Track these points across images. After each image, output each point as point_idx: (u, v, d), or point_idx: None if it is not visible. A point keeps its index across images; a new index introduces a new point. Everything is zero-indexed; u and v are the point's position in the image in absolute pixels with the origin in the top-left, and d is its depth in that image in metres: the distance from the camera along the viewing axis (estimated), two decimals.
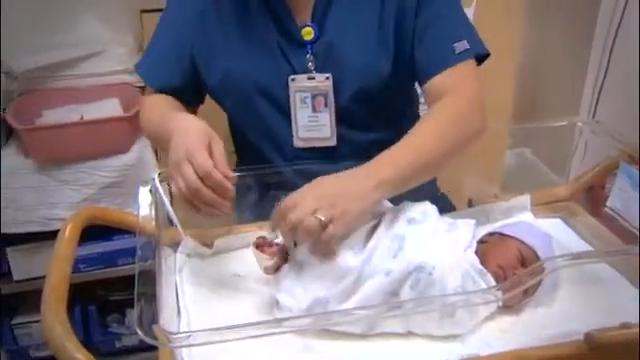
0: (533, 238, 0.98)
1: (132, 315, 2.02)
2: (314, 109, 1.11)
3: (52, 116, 1.84)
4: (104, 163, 1.78)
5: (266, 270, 0.94)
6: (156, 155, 1.88)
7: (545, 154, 1.26)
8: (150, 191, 1.05)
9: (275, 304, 0.91)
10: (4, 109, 1.77)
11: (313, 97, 1.10)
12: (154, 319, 0.76)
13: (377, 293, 0.87)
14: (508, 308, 0.93)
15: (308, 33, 1.09)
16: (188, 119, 0.98)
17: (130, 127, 1.82)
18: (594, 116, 2.18)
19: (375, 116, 1.15)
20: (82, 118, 1.85)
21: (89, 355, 0.75)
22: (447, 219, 1.01)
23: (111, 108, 1.89)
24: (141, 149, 1.83)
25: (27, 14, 1.85)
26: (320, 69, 1.10)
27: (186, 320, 0.92)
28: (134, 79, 1.96)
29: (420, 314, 0.86)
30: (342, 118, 1.14)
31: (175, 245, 1.07)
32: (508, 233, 0.99)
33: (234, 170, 0.97)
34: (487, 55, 1.13)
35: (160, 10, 1.69)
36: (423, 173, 0.98)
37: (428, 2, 1.08)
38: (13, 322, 1.94)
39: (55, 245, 0.92)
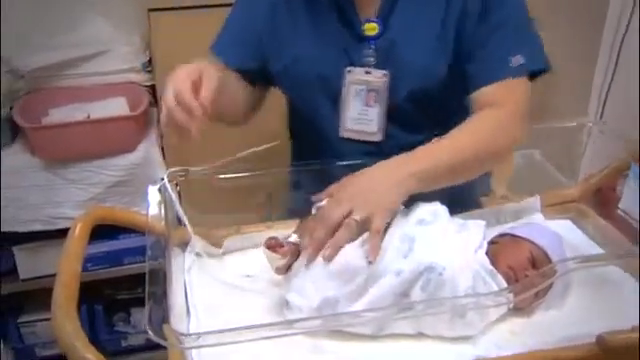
0: (544, 239, 0.97)
1: (138, 314, 2.04)
2: (366, 103, 1.13)
3: (58, 115, 1.83)
4: (110, 162, 1.78)
5: (277, 270, 0.93)
6: (163, 154, 1.87)
7: (554, 155, 1.25)
8: (159, 190, 1.05)
9: (285, 304, 0.91)
10: (10, 108, 1.77)
11: (367, 91, 1.12)
12: (164, 319, 0.76)
13: (387, 294, 0.87)
14: (519, 310, 0.93)
15: (372, 29, 1.11)
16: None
17: (137, 126, 1.82)
18: (601, 117, 2.18)
19: (427, 118, 1.15)
20: (89, 117, 1.84)
21: (99, 355, 0.75)
22: (457, 220, 1.00)
23: (118, 107, 1.89)
24: (148, 148, 1.83)
25: (33, 13, 1.85)
26: (379, 65, 1.12)
27: (195, 320, 0.92)
28: (140, 78, 1.96)
29: (431, 315, 0.86)
30: (393, 116, 1.15)
31: (184, 245, 1.07)
32: (519, 234, 0.98)
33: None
34: (546, 70, 1.11)
35: (168, 9, 1.70)
36: (454, 174, 0.99)
37: (493, 10, 1.07)
38: (19, 320, 1.94)
39: (65, 244, 0.91)
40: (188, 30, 1.75)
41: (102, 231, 1.54)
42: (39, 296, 1.92)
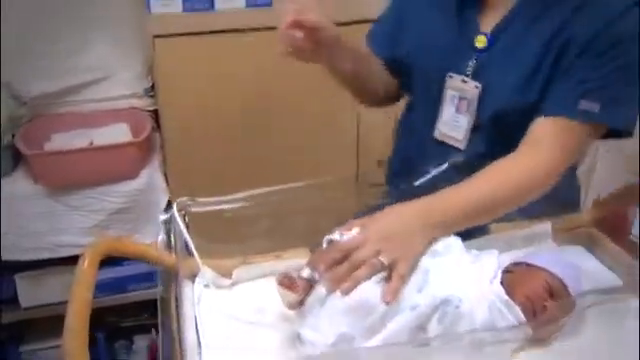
0: (559, 268, 0.96)
1: (141, 342, 2.01)
2: (457, 109, 1.15)
3: (60, 141, 1.83)
4: (113, 189, 1.77)
5: (290, 306, 0.92)
6: (166, 180, 1.86)
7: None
8: (167, 221, 1.03)
9: (297, 340, 0.89)
10: (13, 135, 1.76)
11: (460, 99, 1.14)
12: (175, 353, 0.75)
13: (403, 328, 0.85)
14: (537, 340, 0.91)
15: (481, 41, 1.12)
16: None
17: (139, 152, 1.81)
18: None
19: (510, 137, 1.12)
20: (91, 143, 1.84)
21: None
22: (471, 251, 0.99)
23: (120, 133, 1.88)
24: (151, 174, 1.82)
25: (34, 39, 1.84)
26: (475, 76, 1.13)
27: (207, 356, 0.89)
28: (143, 103, 1.96)
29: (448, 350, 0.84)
30: (479, 128, 1.15)
31: (193, 276, 1.05)
32: (534, 263, 0.97)
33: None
34: (625, 131, 1.07)
35: (173, 35, 1.70)
36: (478, 219, 1.00)
37: (600, 44, 1.01)
38: (20, 349, 1.92)
39: (75, 275, 0.90)
40: (191, 55, 1.76)
41: (105, 257, 1.54)
42: (40, 325, 1.90)
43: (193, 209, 1.04)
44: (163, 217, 1.03)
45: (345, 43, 1.12)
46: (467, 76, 1.13)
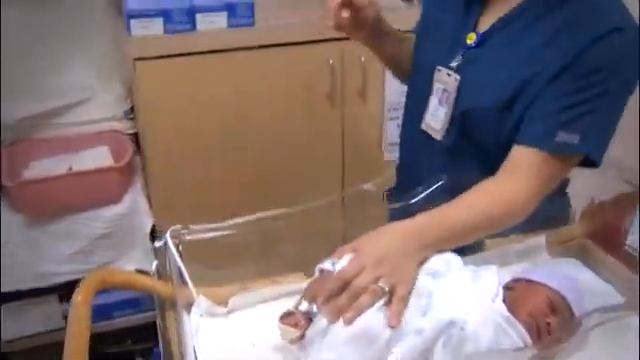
0: (559, 282, 0.96)
1: None
2: (439, 101, 1.17)
3: (40, 168, 1.79)
4: (96, 214, 1.74)
5: (292, 341, 0.90)
6: (149, 203, 1.83)
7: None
8: (160, 248, 1.01)
9: None
10: None
11: (443, 91, 1.16)
12: None
13: (409, 353, 0.84)
14: (539, 358, 0.91)
15: (471, 38, 1.13)
16: None
17: (121, 176, 1.78)
18: None
19: (475, 138, 1.14)
20: (71, 168, 1.80)
21: None
22: (469, 267, 0.98)
23: (101, 157, 1.85)
24: (134, 198, 1.79)
25: (11, 63, 1.80)
26: (458, 70, 1.13)
27: None
28: (123, 126, 1.93)
29: None
30: (453, 121, 1.16)
31: (189, 305, 1.03)
32: (534, 279, 0.97)
33: None
34: (596, 164, 1.06)
35: (154, 57, 1.68)
36: (464, 240, 1.01)
37: (580, 73, 0.99)
38: None
39: (70, 312, 0.87)
40: (172, 77, 1.74)
41: None
42: (23, 357, 1.85)
43: (187, 237, 1.02)
44: (157, 244, 1.01)
45: (384, 24, 1.23)
46: (452, 70, 1.15)
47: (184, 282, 1.01)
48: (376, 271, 0.88)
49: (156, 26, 1.63)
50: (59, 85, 1.84)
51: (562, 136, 1.01)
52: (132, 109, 1.93)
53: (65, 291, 1.75)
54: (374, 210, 1.38)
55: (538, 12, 1.05)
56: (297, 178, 1.92)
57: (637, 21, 1.06)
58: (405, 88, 1.35)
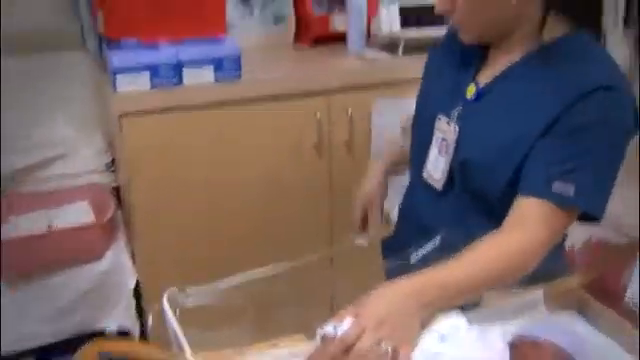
0: (564, 339, 0.95)
1: None
2: (439, 151, 1.18)
3: (18, 225, 1.74)
4: (77, 272, 1.69)
5: None
6: (133, 259, 1.79)
7: None
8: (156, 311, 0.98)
9: None
10: None
11: (442, 140, 1.17)
12: None
13: None
14: None
15: (470, 92, 1.14)
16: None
17: (103, 233, 1.74)
18: None
19: (472, 189, 1.14)
20: (50, 227, 1.75)
21: None
22: (474, 327, 0.97)
23: (81, 212, 1.81)
24: (117, 254, 1.75)
25: None
26: (458, 121, 1.14)
27: None
28: (104, 179, 1.90)
29: None
30: (453, 171, 1.16)
31: None
32: (539, 336, 0.96)
33: None
34: (596, 218, 1.07)
35: (140, 112, 1.67)
36: (465, 297, 1.01)
37: (576, 127, 1.01)
38: None
39: None
40: (157, 131, 1.72)
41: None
42: None
43: (188, 304, 0.99)
44: (154, 309, 0.98)
45: (398, 165, 1.39)
46: (452, 119, 1.16)
47: (181, 348, 0.98)
48: (377, 333, 0.87)
49: (143, 81, 1.62)
50: (40, 139, 1.81)
51: (558, 186, 1.02)
52: (113, 162, 1.90)
53: (43, 353, 1.69)
54: (366, 262, 1.37)
55: (535, 68, 1.07)
56: (285, 230, 1.91)
57: (626, 71, 1.09)
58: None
